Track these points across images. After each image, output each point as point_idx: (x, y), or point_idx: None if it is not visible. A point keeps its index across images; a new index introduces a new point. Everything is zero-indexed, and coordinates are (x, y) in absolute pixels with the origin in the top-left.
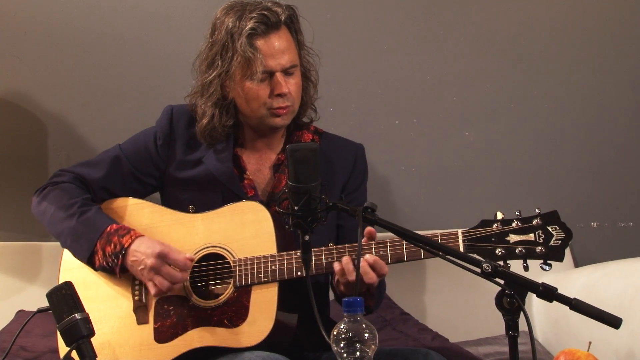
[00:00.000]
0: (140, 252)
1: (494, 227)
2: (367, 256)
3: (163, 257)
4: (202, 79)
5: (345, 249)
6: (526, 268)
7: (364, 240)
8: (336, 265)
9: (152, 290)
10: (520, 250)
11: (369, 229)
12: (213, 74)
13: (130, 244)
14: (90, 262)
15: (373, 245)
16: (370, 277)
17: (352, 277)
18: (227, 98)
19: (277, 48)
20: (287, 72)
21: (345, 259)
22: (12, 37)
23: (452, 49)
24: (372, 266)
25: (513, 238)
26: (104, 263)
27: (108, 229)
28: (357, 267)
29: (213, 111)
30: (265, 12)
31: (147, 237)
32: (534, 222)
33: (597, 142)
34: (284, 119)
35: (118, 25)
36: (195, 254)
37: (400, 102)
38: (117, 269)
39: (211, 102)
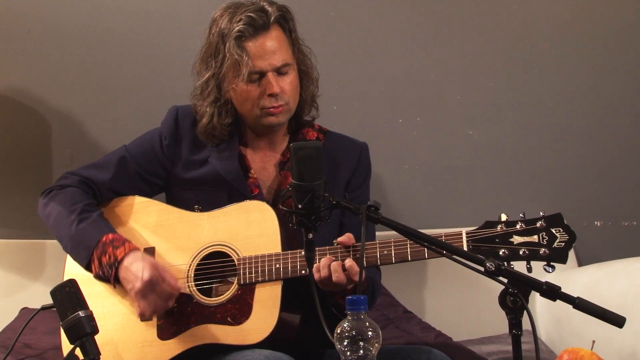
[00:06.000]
0: (131, 273)
1: (498, 228)
2: (347, 260)
3: (153, 285)
4: (199, 79)
5: (349, 248)
6: (529, 269)
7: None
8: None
9: (136, 312)
10: (524, 252)
11: (342, 239)
12: (208, 75)
13: (123, 258)
14: (88, 269)
15: (377, 245)
16: (338, 276)
17: (324, 272)
18: (224, 98)
19: (267, 48)
20: (279, 71)
21: (325, 259)
22: (16, 35)
23: (456, 48)
24: (347, 269)
25: (517, 239)
26: (100, 272)
27: (104, 239)
28: (360, 266)
29: (212, 111)
30: (253, 15)
31: (141, 253)
32: (538, 224)
33: (601, 140)
34: (278, 118)
35: (122, 23)
36: (200, 252)
37: (404, 101)
38: (111, 279)
39: (209, 102)
